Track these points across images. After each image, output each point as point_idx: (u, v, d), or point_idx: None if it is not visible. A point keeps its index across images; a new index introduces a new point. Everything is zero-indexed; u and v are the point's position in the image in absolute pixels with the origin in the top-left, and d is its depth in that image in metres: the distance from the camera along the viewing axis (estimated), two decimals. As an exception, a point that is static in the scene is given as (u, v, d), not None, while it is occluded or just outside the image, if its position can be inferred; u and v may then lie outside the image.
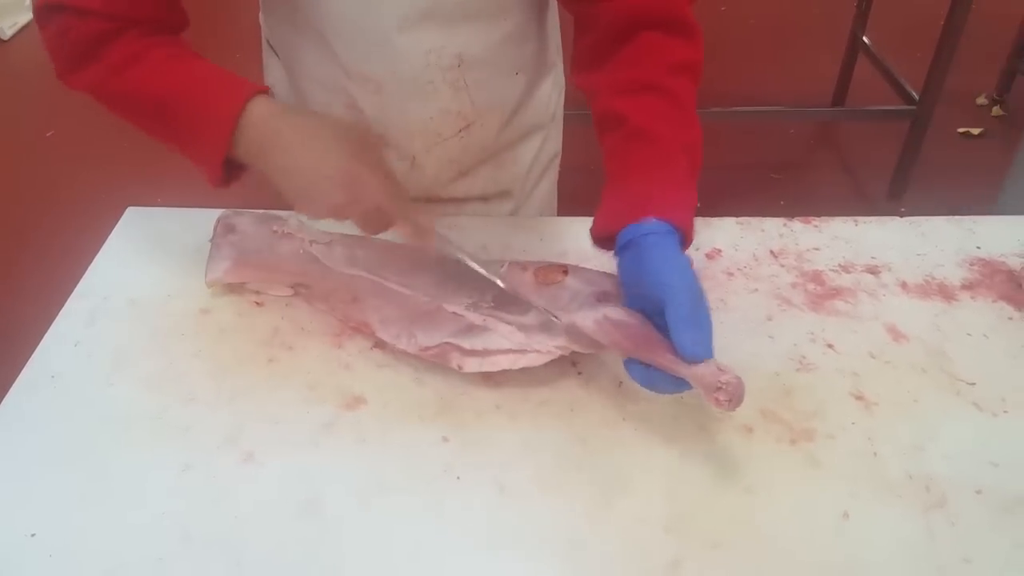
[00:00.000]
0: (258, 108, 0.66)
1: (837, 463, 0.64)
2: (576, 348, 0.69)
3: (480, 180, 0.94)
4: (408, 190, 0.69)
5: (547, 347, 0.68)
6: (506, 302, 0.73)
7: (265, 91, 0.68)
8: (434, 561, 0.58)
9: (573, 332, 0.68)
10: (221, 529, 0.60)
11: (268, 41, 0.89)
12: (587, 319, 0.67)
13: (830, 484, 0.63)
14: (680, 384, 0.62)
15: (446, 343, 0.70)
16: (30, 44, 3.20)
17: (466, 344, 0.69)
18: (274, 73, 0.90)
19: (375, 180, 0.65)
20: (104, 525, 0.60)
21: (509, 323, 0.71)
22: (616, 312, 0.66)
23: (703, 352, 0.60)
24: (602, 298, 0.69)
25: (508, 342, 0.69)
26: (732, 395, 0.59)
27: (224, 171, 0.69)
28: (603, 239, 0.69)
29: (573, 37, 0.78)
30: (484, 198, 0.96)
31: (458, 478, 0.63)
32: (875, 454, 0.65)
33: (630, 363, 0.65)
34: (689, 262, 0.64)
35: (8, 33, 3.16)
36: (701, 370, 0.60)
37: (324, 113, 0.71)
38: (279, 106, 0.68)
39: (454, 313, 0.72)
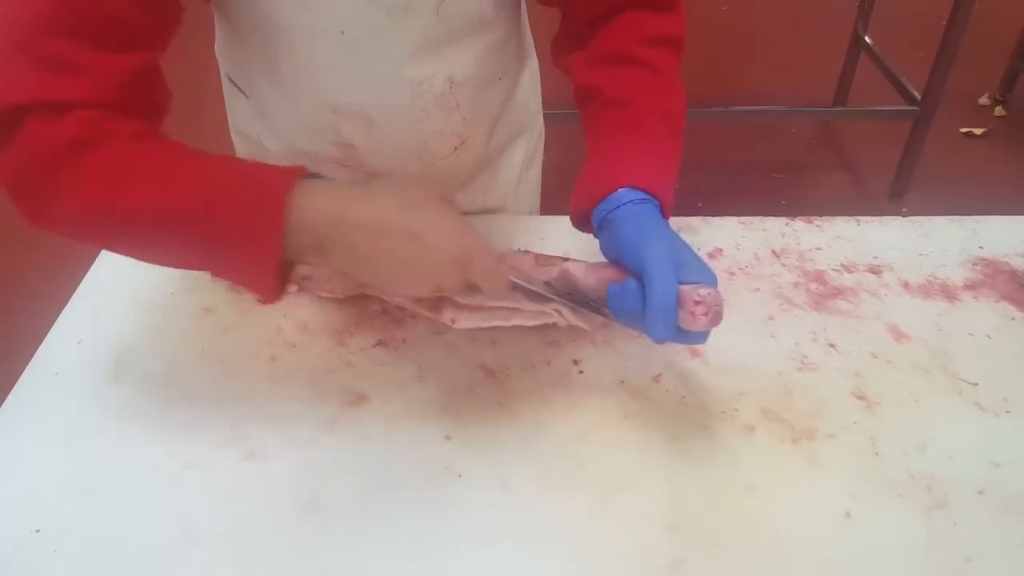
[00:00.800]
0: (306, 203, 0.55)
1: (839, 463, 0.64)
2: (571, 318, 0.68)
3: (478, 192, 0.93)
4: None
5: (542, 308, 0.68)
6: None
7: (302, 175, 0.57)
8: (436, 559, 0.58)
9: (565, 278, 0.65)
10: (224, 526, 0.60)
11: (231, 79, 0.83)
12: (579, 267, 0.65)
13: (832, 484, 0.63)
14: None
15: (442, 296, 0.68)
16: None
17: (461, 299, 0.68)
18: (242, 113, 0.85)
19: (487, 249, 0.59)
20: (107, 522, 0.60)
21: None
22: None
23: (668, 336, 0.57)
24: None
25: (504, 300, 0.68)
26: (710, 307, 0.56)
27: (278, 282, 0.58)
28: (582, 221, 0.67)
29: (556, 28, 0.78)
30: (486, 210, 0.95)
31: (460, 476, 0.63)
32: (877, 454, 0.65)
33: (613, 293, 0.60)
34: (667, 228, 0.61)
35: (10, 31, 3.15)
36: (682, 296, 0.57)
37: (376, 181, 0.64)
38: (333, 190, 0.57)
39: None
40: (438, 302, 0.69)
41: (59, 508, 0.61)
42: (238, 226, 0.55)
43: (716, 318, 0.57)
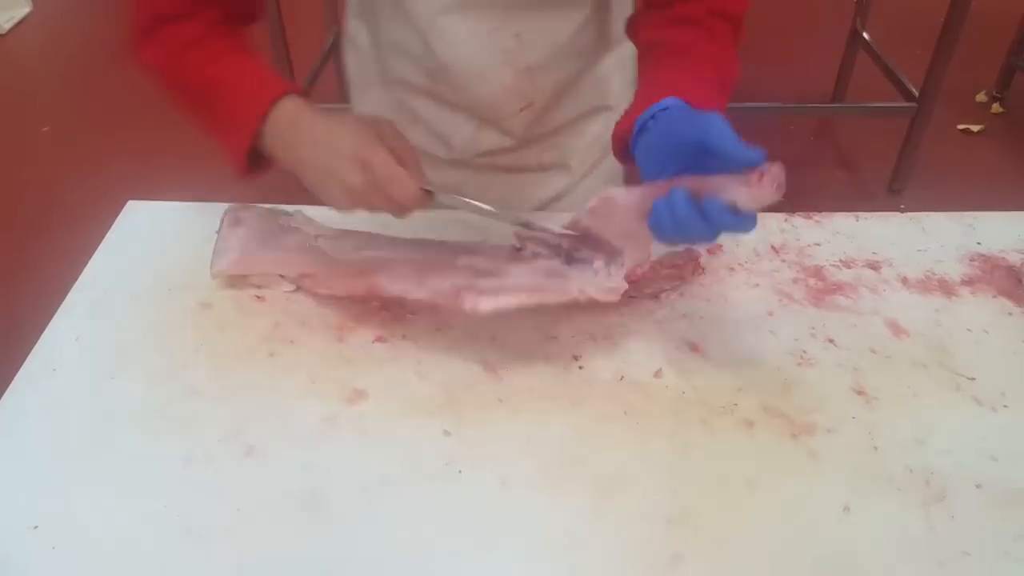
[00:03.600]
0: (286, 106, 0.70)
1: (837, 457, 0.64)
2: (591, 293, 0.68)
3: (544, 149, 0.95)
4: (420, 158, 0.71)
5: (563, 287, 0.68)
6: (518, 258, 0.73)
7: (297, 92, 0.71)
8: (435, 555, 0.58)
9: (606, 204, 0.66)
10: (223, 522, 0.60)
11: (354, 9, 0.91)
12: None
13: (831, 478, 0.63)
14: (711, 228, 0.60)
15: (460, 285, 0.69)
16: (27, 38, 3.19)
17: (480, 283, 0.68)
18: (359, 38, 0.92)
19: (385, 156, 0.67)
20: (106, 518, 0.60)
21: (521, 269, 0.71)
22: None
23: (758, 154, 0.60)
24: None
25: (524, 280, 0.69)
26: (776, 177, 0.59)
27: (248, 162, 0.72)
28: (622, 145, 0.70)
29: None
30: (543, 167, 0.97)
31: (460, 472, 0.63)
32: (875, 448, 0.65)
33: (658, 207, 0.61)
34: None
35: (5, 27, 3.14)
36: (743, 176, 0.60)
37: (345, 115, 0.74)
38: (307, 107, 0.70)
39: (467, 266, 0.72)
40: (457, 292, 0.69)
41: (57, 504, 0.61)
42: (235, 113, 0.71)
43: (782, 188, 0.60)
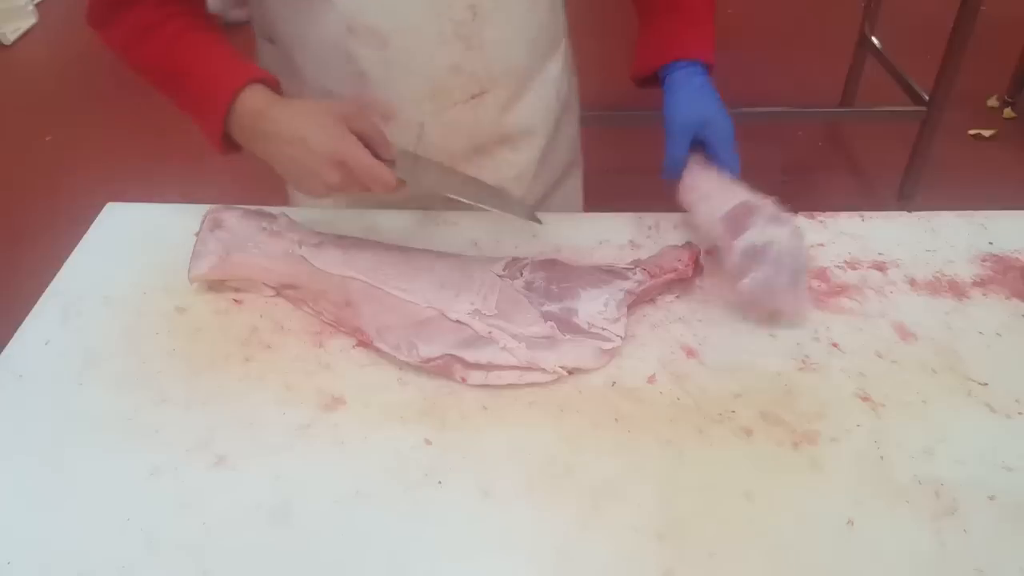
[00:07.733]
0: (250, 96, 0.71)
1: (841, 467, 0.61)
2: (581, 366, 0.69)
3: (497, 161, 0.88)
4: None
5: (552, 366, 0.68)
6: (510, 308, 0.71)
7: (262, 78, 0.72)
8: (414, 571, 0.55)
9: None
10: (189, 536, 0.57)
11: (260, 31, 0.84)
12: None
13: (834, 489, 0.60)
14: None
15: (449, 355, 0.68)
16: (32, 49, 3.22)
17: (469, 357, 0.68)
18: (269, 61, 0.85)
19: (360, 152, 0.68)
20: (67, 530, 0.58)
21: (513, 335, 0.69)
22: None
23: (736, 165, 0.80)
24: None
25: (513, 357, 0.68)
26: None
27: (226, 144, 0.75)
28: (641, 79, 0.85)
29: None
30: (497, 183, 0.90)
31: (440, 483, 0.60)
32: (882, 458, 0.62)
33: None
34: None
35: (11, 38, 3.17)
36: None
37: (312, 100, 0.74)
38: (269, 96, 0.71)
39: (456, 321, 0.70)
40: (446, 363, 0.68)
41: (16, 516, 0.59)
42: (203, 101, 0.73)
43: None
